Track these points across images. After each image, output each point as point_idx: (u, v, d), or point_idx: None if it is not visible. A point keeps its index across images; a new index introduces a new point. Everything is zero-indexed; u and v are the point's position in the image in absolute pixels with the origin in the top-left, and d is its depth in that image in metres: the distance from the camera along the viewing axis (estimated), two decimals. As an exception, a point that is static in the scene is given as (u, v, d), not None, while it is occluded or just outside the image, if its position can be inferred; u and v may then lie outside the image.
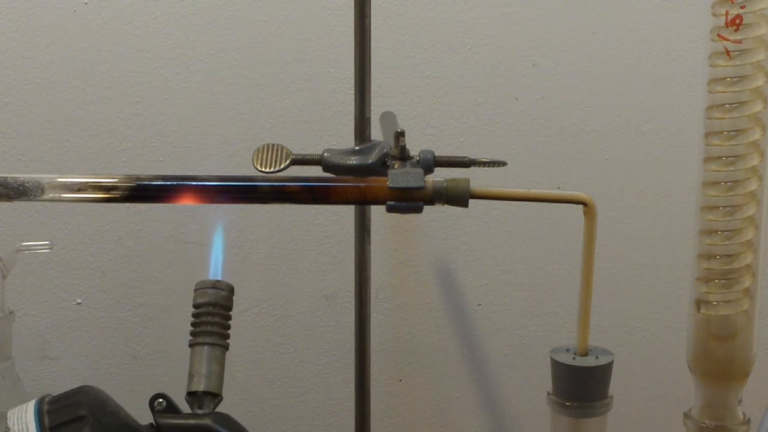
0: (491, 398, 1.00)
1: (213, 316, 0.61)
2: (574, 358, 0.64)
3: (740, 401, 0.64)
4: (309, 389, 0.99)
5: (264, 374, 0.98)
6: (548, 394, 0.65)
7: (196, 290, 0.62)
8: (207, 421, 0.59)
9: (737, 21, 0.59)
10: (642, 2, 0.92)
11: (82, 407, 0.57)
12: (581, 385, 0.64)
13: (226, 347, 0.61)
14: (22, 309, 0.94)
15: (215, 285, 0.62)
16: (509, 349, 0.99)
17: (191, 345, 0.61)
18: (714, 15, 0.60)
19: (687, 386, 0.65)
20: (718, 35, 0.60)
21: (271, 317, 0.97)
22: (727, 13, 0.59)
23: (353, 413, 0.87)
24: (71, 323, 0.96)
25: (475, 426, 1.00)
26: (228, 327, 0.62)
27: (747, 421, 0.64)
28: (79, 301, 0.96)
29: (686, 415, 0.65)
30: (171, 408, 0.59)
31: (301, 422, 0.99)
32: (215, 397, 0.60)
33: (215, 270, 0.64)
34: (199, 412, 0.59)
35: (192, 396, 0.60)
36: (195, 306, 0.62)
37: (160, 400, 0.59)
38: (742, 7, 0.59)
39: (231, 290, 0.62)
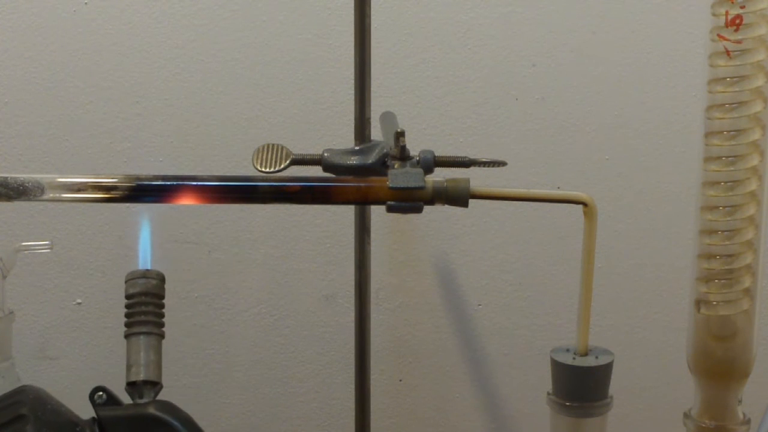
0: (491, 398, 1.00)
1: (146, 305, 0.62)
2: (574, 358, 0.64)
3: (740, 401, 0.64)
4: (309, 389, 0.99)
5: (264, 374, 0.98)
6: (548, 394, 0.65)
7: (126, 281, 0.63)
8: (149, 410, 0.59)
9: (737, 21, 0.59)
10: (642, 2, 0.92)
11: (23, 406, 0.58)
12: (581, 385, 0.64)
13: (161, 335, 0.62)
14: (22, 309, 0.94)
15: (145, 274, 0.62)
16: (509, 349, 0.99)
17: (126, 336, 0.61)
18: (714, 15, 0.60)
19: (687, 386, 0.65)
20: (718, 35, 0.60)
21: (271, 317, 0.97)
22: (727, 13, 0.59)
23: (353, 413, 0.87)
24: (71, 323, 0.96)
25: (475, 426, 1.00)
26: (162, 315, 0.62)
27: (747, 421, 0.64)
28: (79, 301, 0.96)
29: (686, 415, 0.65)
30: (112, 400, 0.59)
31: (301, 422, 0.99)
32: (155, 385, 0.60)
33: (144, 259, 0.64)
34: (141, 401, 0.60)
35: (132, 386, 0.60)
36: (127, 297, 0.62)
37: (100, 393, 0.59)
38: (742, 7, 0.59)
39: (162, 279, 0.63)
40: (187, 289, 0.96)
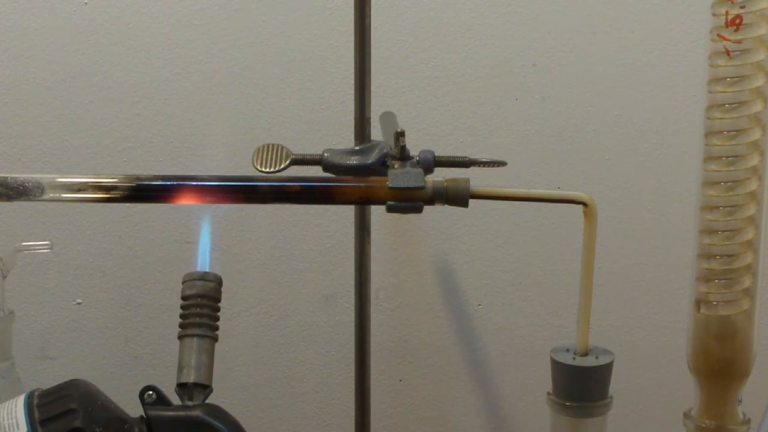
0: (491, 398, 1.00)
1: (201, 308, 0.61)
2: (574, 358, 0.64)
3: (740, 401, 0.64)
4: (309, 389, 0.99)
5: (264, 374, 0.98)
6: (548, 394, 0.65)
7: (184, 282, 0.62)
8: (197, 413, 0.59)
9: (737, 21, 0.59)
10: (642, 2, 0.92)
11: (73, 400, 0.57)
12: (581, 385, 0.64)
13: (215, 339, 0.62)
14: (22, 309, 0.94)
15: (203, 277, 0.62)
16: (509, 349, 0.99)
17: (180, 337, 0.61)
18: (714, 15, 0.60)
19: (687, 386, 0.65)
20: (718, 35, 0.60)
21: (271, 317, 0.97)
22: (727, 13, 0.59)
23: (353, 413, 0.87)
24: (71, 323, 0.96)
25: (475, 426, 1.00)
26: (217, 319, 0.62)
27: (747, 421, 0.64)
28: (79, 301, 0.96)
29: (686, 415, 0.65)
30: (161, 400, 0.59)
31: (301, 422, 0.99)
32: (205, 388, 0.60)
33: (203, 261, 0.64)
34: (190, 403, 0.59)
35: (182, 388, 0.60)
36: (183, 298, 0.62)
37: (150, 392, 0.59)
38: (742, 7, 0.59)
39: (219, 282, 0.62)
40: (187, 289, 0.96)
